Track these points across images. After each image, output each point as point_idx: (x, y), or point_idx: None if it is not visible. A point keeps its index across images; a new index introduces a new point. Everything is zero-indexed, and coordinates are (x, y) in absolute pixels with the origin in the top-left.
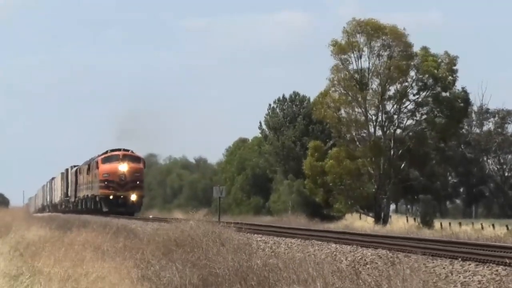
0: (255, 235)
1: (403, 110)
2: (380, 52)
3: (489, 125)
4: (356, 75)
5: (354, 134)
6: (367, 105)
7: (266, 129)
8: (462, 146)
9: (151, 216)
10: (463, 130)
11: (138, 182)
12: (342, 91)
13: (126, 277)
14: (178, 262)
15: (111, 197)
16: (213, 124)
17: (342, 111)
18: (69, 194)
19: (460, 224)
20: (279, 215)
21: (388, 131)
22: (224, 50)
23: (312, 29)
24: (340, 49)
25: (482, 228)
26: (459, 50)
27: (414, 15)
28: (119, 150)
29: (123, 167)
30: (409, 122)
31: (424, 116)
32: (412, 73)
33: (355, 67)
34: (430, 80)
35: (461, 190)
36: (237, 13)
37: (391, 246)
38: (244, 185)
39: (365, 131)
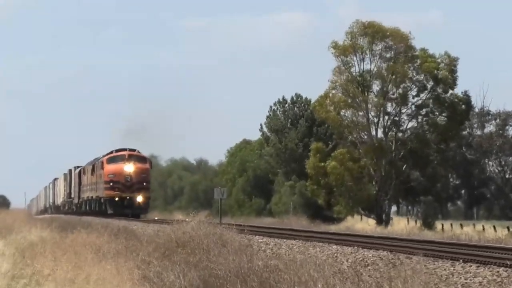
0: (256, 236)
1: (404, 112)
2: (383, 54)
3: (490, 127)
4: (358, 78)
5: (355, 136)
6: (368, 108)
7: (267, 131)
8: (464, 148)
9: (156, 218)
10: (465, 132)
11: (144, 183)
12: (344, 93)
13: (127, 278)
14: (179, 263)
15: (116, 198)
16: (214, 125)
17: (345, 113)
18: (72, 196)
19: (461, 225)
20: (280, 217)
21: (389, 133)
22: (224, 50)
23: (312, 29)
24: (342, 51)
25: (483, 229)
26: (460, 50)
27: (414, 15)
28: (124, 150)
29: (129, 168)
30: (410, 124)
31: (425, 118)
32: (413, 74)
33: (357, 70)
34: (431, 82)
35: (462, 192)
36: (237, 13)
37: (392, 247)
38: (245, 187)
39: (367, 133)
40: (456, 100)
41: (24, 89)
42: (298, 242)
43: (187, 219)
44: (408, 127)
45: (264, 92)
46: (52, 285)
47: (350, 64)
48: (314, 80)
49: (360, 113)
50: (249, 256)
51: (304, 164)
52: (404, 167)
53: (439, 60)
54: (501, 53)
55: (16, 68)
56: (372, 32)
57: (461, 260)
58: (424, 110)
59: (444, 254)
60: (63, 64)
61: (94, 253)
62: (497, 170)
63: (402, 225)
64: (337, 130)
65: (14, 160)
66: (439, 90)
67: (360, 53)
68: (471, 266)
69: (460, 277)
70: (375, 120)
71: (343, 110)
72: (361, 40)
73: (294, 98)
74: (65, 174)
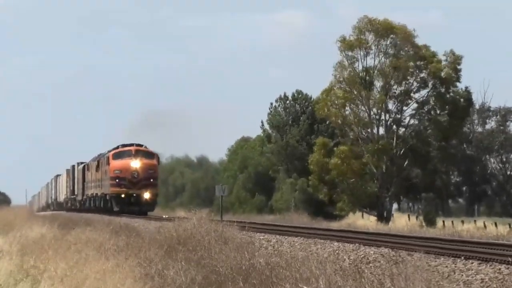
0: (258, 233)
1: (406, 109)
2: (387, 50)
3: (491, 124)
4: (361, 73)
5: (357, 133)
6: (370, 104)
7: (268, 128)
8: (465, 144)
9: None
10: (465, 128)
11: (152, 180)
12: (346, 89)
13: (129, 275)
14: (180, 260)
15: (122, 195)
16: (215, 123)
17: (347, 109)
18: (75, 193)
19: (462, 222)
20: (281, 214)
21: (391, 130)
22: (226, 49)
23: (313, 29)
24: (347, 46)
25: (485, 226)
26: (460, 48)
27: (415, 15)
28: (131, 145)
29: (136, 164)
30: (412, 121)
31: (427, 116)
32: (416, 72)
33: (361, 65)
34: (433, 80)
35: (464, 188)
36: (238, 13)
37: (393, 244)
38: (247, 184)
39: (369, 130)
40: (457, 96)
41: (24, 88)
42: (300, 239)
43: (187, 217)
44: (409, 124)
45: (265, 90)
46: (52, 282)
47: (354, 59)
48: (315, 78)
49: (362, 109)
50: (250, 253)
51: (305, 161)
52: (405, 164)
53: (443, 58)
54: (502, 51)
55: (16, 68)
56: (380, 28)
57: (462, 257)
58: (426, 107)
59: (446, 251)
60: (63, 64)
61: (95, 250)
62: (498, 167)
63: (403, 222)
64: (339, 127)
65: (14, 157)
66: (442, 90)
67: (365, 48)
68: (472, 263)
69: (462, 274)
70: (377, 117)
71: (345, 107)
72: (368, 35)
73: (295, 95)
74: (67, 170)
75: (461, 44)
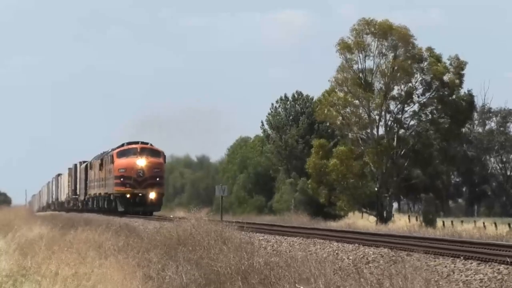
0: (257, 233)
1: (407, 110)
2: (386, 52)
3: (491, 124)
4: (361, 75)
5: (357, 133)
6: (370, 105)
7: (268, 129)
8: (465, 145)
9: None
10: (465, 128)
11: (158, 179)
12: (346, 91)
13: (128, 275)
14: (180, 260)
15: (127, 195)
16: (214, 123)
17: (347, 110)
18: (78, 192)
19: (462, 222)
20: (281, 214)
21: (391, 131)
22: (226, 49)
23: (313, 29)
24: (346, 48)
25: (484, 227)
26: (459, 48)
27: (415, 15)
28: (136, 143)
29: (141, 162)
30: (412, 122)
31: (428, 117)
32: (418, 74)
33: (360, 67)
34: (437, 83)
35: (464, 189)
36: (238, 13)
37: (393, 244)
38: (246, 184)
39: (369, 130)
40: (458, 99)
41: (25, 86)
42: (299, 239)
43: (186, 217)
44: (410, 125)
45: (265, 90)
46: (54, 282)
47: (354, 61)
48: (316, 79)
49: (362, 110)
50: (249, 253)
51: (305, 161)
52: (405, 165)
53: (447, 62)
54: (502, 52)
55: (16, 68)
56: (379, 29)
57: (462, 257)
58: (428, 109)
59: (445, 251)
60: (63, 64)
61: (95, 250)
62: (498, 167)
63: (403, 222)
64: (339, 128)
65: (14, 157)
66: (445, 93)
67: (363, 50)
68: (472, 263)
69: (461, 274)
70: (377, 118)
71: (345, 108)
72: (367, 37)
73: (296, 96)
74: (69, 169)
75: (461, 44)
